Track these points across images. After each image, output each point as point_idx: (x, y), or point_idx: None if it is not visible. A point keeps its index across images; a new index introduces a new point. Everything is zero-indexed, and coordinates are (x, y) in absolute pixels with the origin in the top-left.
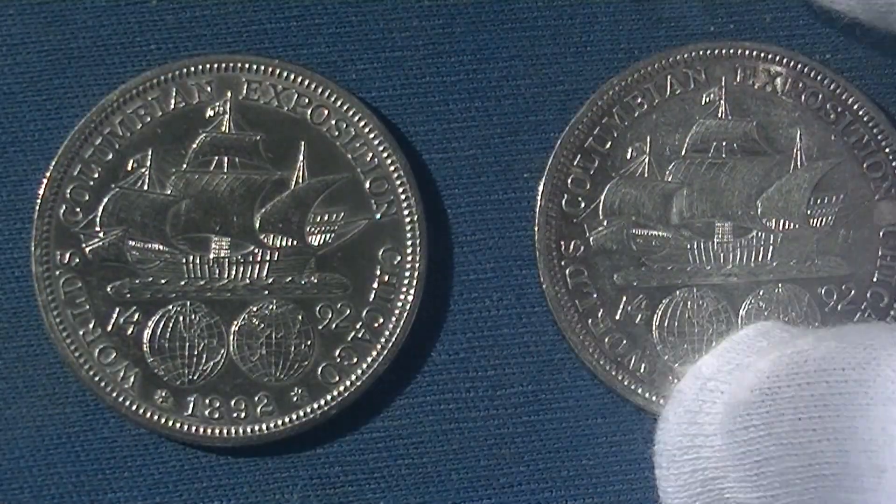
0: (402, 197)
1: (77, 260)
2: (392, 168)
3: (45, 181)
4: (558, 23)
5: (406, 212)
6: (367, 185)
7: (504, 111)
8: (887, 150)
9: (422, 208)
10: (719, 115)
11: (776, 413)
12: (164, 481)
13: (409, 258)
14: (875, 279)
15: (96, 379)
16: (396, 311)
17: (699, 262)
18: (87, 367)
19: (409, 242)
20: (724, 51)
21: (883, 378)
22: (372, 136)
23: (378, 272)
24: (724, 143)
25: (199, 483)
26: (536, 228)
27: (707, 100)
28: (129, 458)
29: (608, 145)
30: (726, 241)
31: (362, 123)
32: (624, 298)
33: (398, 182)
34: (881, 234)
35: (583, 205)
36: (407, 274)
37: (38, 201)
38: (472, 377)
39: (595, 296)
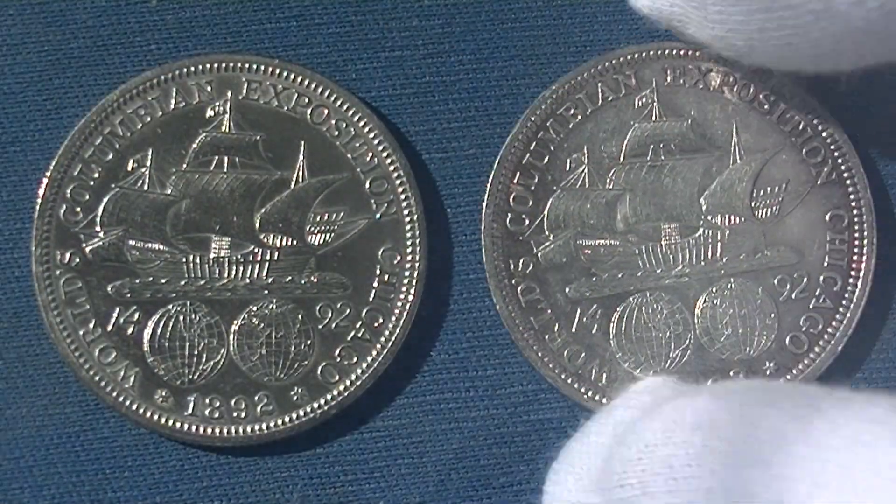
0: (402, 197)
1: (77, 260)
2: (392, 168)
3: (45, 181)
4: (558, 22)
5: (406, 211)
6: (367, 184)
7: (504, 111)
8: (824, 134)
9: (421, 208)
10: (653, 117)
11: (651, 472)
12: (164, 481)
13: (409, 258)
14: (826, 264)
15: (96, 379)
16: (396, 311)
17: (649, 267)
18: (88, 366)
19: (408, 242)
20: (651, 53)
21: (754, 439)
22: (372, 135)
23: (378, 272)
24: (661, 145)
25: (199, 483)
26: (483, 250)
27: (640, 103)
28: (129, 457)
29: (546, 160)
30: (674, 243)
31: (362, 123)
32: (578, 311)
33: (398, 182)
34: (827, 217)
35: (527, 221)
36: (407, 273)
37: (39, 201)
38: (472, 377)
39: (549, 311)
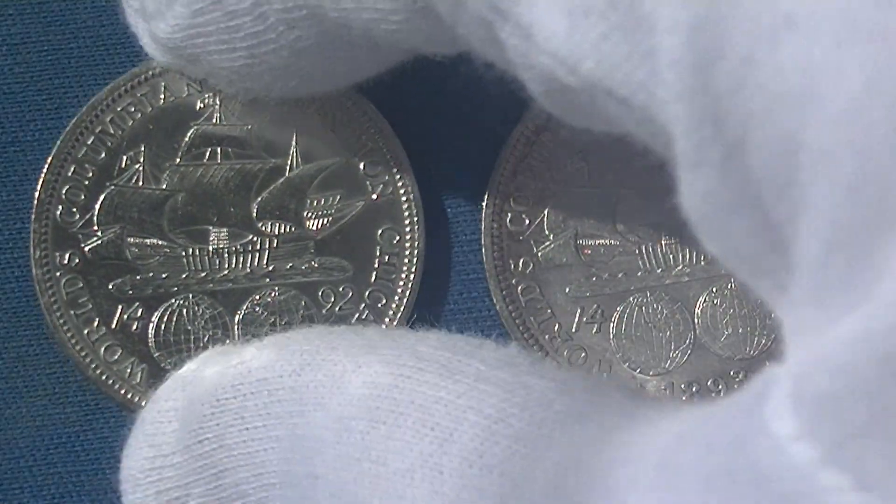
0: (397, 176)
1: (77, 260)
2: (385, 148)
3: (40, 183)
4: None
5: (402, 191)
6: (362, 166)
7: (504, 111)
8: None
9: (417, 186)
10: None
11: (225, 425)
12: None
13: (408, 237)
14: None
15: (104, 377)
16: (399, 290)
17: (650, 266)
18: (94, 366)
19: (406, 221)
20: None
21: (315, 383)
22: (362, 117)
23: (378, 253)
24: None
25: None
26: (483, 250)
27: None
28: None
29: (546, 159)
30: (674, 242)
31: (352, 106)
32: (578, 311)
33: (391, 161)
34: None
35: (527, 221)
36: (407, 252)
37: (35, 203)
38: None
39: (549, 311)
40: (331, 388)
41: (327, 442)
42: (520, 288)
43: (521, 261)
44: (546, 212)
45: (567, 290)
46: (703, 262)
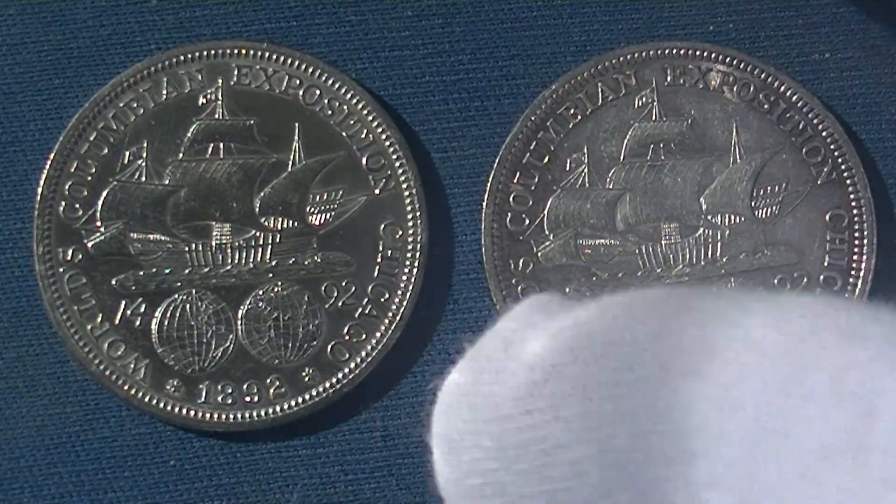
0: (400, 171)
1: (80, 256)
2: (387, 143)
3: (42, 179)
4: (558, 22)
5: (405, 185)
6: (364, 161)
7: (504, 111)
8: (824, 133)
9: (419, 180)
10: (653, 117)
11: (561, 394)
12: (163, 481)
13: (411, 231)
14: (826, 263)
15: (107, 373)
16: (402, 285)
17: (649, 266)
18: (98, 361)
19: (409, 216)
20: (651, 52)
21: (680, 349)
22: (365, 112)
23: (381, 247)
24: (661, 145)
25: (199, 483)
26: (483, 250)
27: (640, 103)
28: (129, 457)
29: (546, 159)
30: (674, 243)
31: (355, 101)
32: None
33: (394, 156)
34: (827, 217)
35: (527, 221)
36: (409, 247)
37: (38, 199)
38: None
39: None
40: (699, 353)
41: (706, 415)
42: (520, 288)
43: (521, 261)
44: (546, 212)
45: (567, 290)
46: (702, 263)
